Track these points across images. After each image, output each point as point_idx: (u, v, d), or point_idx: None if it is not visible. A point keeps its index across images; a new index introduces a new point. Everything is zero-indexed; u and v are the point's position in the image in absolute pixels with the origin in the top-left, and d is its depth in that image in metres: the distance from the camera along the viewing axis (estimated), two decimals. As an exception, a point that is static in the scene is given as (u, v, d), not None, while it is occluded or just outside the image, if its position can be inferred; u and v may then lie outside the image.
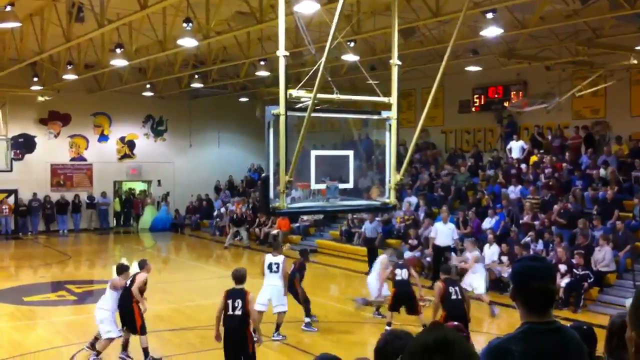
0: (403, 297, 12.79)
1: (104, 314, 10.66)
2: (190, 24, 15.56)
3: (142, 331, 10.56)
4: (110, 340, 10.61)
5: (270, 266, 12.40)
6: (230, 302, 9.02)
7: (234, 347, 9.02)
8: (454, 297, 10.63)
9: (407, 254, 19.60)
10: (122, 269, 11.15)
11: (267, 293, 12.26)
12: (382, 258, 14.55)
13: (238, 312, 8.97)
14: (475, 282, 14.87)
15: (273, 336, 12.21)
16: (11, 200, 28.67)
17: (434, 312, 11.00)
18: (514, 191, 20.04)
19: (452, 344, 2.14)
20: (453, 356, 2.11)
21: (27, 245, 26.87)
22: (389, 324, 12.49)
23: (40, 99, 27.07)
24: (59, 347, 11.97)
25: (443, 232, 17.59)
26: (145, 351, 10.61)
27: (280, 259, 12.46)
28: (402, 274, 12.93)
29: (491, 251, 17.19)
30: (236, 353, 9.02)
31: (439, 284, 10.98)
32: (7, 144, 27.08)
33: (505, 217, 18.76)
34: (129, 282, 10.75)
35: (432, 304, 11.47)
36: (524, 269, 3.04)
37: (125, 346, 10.82)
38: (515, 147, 22.17)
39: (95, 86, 27.61)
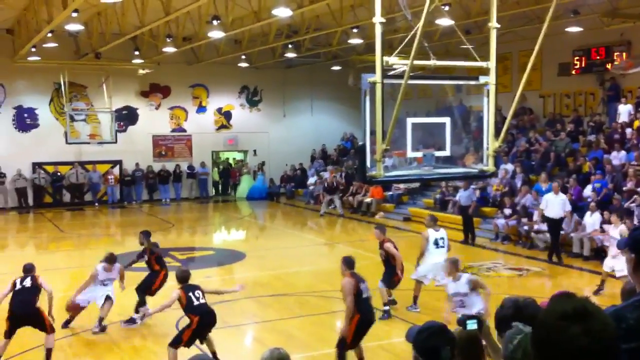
0: None
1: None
2: (284, -6, 15.67)
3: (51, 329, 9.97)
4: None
5: (436, 242, 12.07)
6: (191, 294, 9.37)
7: (210, 326, 9.48)
8: (365, 295, 8.92)
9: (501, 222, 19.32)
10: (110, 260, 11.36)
11: (435, 269, 11.79)
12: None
13: (203, 300, 9.41)
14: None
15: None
16: (116, 170, 29.97)
17: (348, 316, 8.75)
18: (617, 157, 19.30)
19: (591, 313, 2.09)
20: (592, 326, 2.06)
21: (131, 213, 28.09)
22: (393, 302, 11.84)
23: (141, 71, 28.01)
24: (167, 311, 12.49)
25: (554, 203, 16.46)
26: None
27: (444, 232, 12.24)
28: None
29: (592, 219, 16.64)
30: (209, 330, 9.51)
31: (348, 280, 8.88)
32: (112, 116, 28.31)
33: (607, 184, 18.11)
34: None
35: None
36: None
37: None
38: (624, 111, 21.24)
39: (193, 58, 28.31)
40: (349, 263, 9.13)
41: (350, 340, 8.75)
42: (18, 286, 9.93)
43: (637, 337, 2.68)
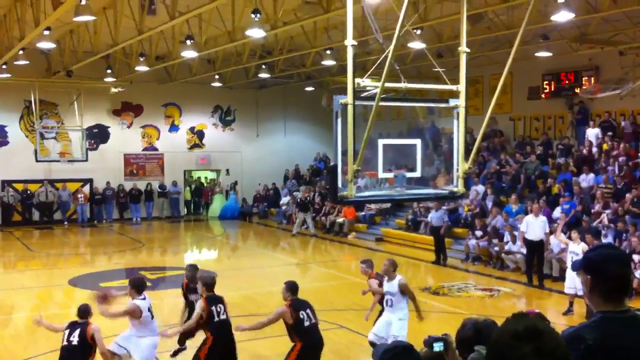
0: None
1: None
2: (258, 15, 15.75)
3: None
4: None
5: (386, 302, 9.81)
6: (213, 308, 8.82)
7: (229, 343, 9.00)
8: (307, 323, 8.51)
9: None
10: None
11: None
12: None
13: (224, 316, 8.92)
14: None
15: None
16: (86, 189, 29.67)
17: (253, 325, 9.14)
18: (585, 179, 19.60)
19: (542, 332, 2.13)
20: (543, 345, 2.10)
21: (102, 232, 27.79)
22: None
23: (113, 90, 27.89)
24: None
25: (535, 226, 16.19)
26: None
27: (394, 287, 9.67)
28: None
29: (558, 240, 16.73)
30: (229, 354, 9.02)
31: (285, 310, 8.58)
32: (83, 134, 28.09)
33: (576, 206, 18.36)
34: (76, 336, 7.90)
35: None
36: (601, 256, 2.99)
37: None
38: (592, 134, 21.59)
39: (165, 77, 28.26)
40: (292, 288, 8.78)
41: None
42: (64, 341, 7.88)
43: (596, 357, 2.74)
